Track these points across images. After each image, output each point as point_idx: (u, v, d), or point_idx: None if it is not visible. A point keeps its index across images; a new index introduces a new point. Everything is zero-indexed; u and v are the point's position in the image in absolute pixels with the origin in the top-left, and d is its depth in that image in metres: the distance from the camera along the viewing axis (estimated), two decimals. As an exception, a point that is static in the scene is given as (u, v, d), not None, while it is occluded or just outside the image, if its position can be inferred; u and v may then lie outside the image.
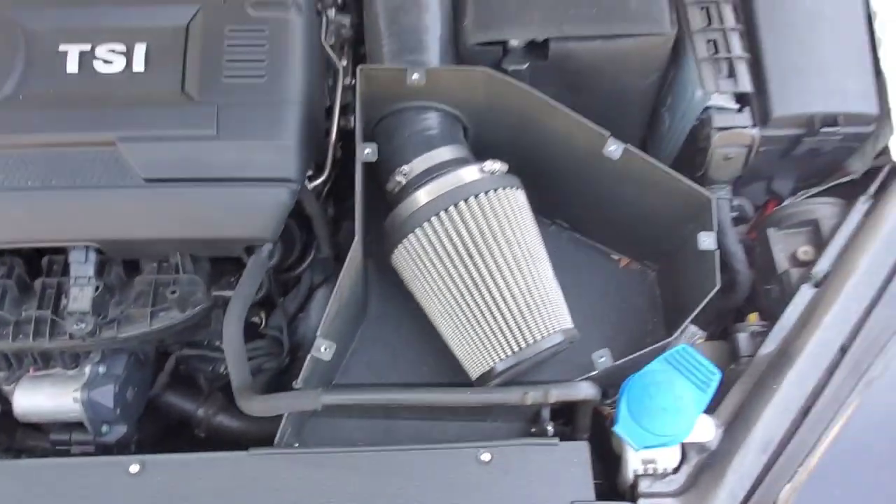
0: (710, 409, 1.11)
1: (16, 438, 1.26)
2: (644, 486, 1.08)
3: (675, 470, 1.09)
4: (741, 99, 1.27)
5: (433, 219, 1.14)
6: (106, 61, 1.13)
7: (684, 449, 1.10)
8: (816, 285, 1.20)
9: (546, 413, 1.14)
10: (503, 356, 1.13)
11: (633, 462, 1.09)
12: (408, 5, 1.28)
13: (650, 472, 1.09)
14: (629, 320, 1.39)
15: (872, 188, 1.25)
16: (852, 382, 1.11)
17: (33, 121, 1.10)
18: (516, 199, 1.19)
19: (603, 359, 1.13)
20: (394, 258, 1.22)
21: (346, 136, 1.30)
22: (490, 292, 1.13)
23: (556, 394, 1.10)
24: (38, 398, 1.17)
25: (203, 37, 1.14)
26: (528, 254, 1.16)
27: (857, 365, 1.12)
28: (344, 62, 1.35)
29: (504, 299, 1.13)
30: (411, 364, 1.30)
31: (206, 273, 1.19)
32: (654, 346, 1.14)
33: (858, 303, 1.16)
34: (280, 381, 1.30)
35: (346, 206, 1.20)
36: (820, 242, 1.25)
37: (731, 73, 1.26)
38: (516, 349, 1.13)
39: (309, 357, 1.08)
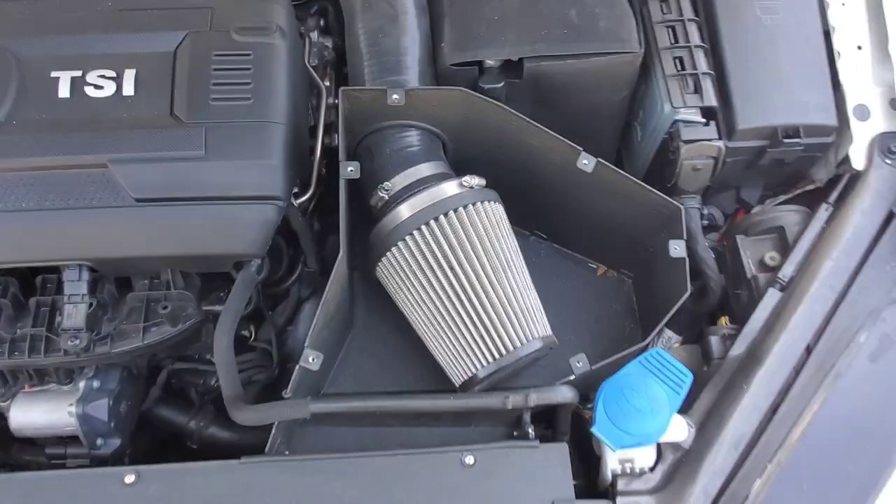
0: (684, 410, 1.16)
1: (11, 454, 1.28)
2: (622, 484, 1.12)
3: (652, 468, 1.13)
4: (707, 113, 1.33)
5: (415, 232, 1.19)
6: (97, 86, 1.16)
7: (660, 448, 1.14)
8: (782, 289, 1.25)
9: (527, 417, 1.18)
10: (484, 363, 1.18)
11: (611, 462, 1.14)
12: (387, 28, 1.33)
13: (628, 471, 1.13)
14: (607, 327, 1.45)
15: (833, 196, 1.31)
16: (818, 381, 1.16)
17: (27, 145, 1.12)
18: (495, 212, 1.24)
19: (580, 363, 1.17)
20: (378, 271, 1.26)
21: (331, 154, 1.35)
22: (471, 302, 1.17)
23: (536, 397, 1.14)
24: (33, 413, 1.19)
25: (190, 62, 1.18)
26: (507, 264, 1.21)
27: (821, 364, 1.17)
28: (327, 83, 1.40)
29: (484, 308, 1.17)
30: (397, 373, 1.34)
31: (196, 289, 1.22)
32: (629, 350, 1.19)
33: (822, 305, 1.21)
34: (270, 392, 1.33)
35: (332, 221, 1.24)
36: (786, 248, 1.31)
37: (697, 89, 1.32)
38: (497, 356, 1.17)
39: (297, 367, 1.12)
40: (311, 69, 1.37)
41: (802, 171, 1.43)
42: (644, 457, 1.14)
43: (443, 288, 1.18)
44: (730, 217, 1.49)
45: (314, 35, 1.43)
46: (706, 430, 1.15)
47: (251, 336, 1.35)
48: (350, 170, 1.22)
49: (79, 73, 1.16)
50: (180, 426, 1.34)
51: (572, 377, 1.17)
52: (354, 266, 1.33)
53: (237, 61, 1.19)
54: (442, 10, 1.36)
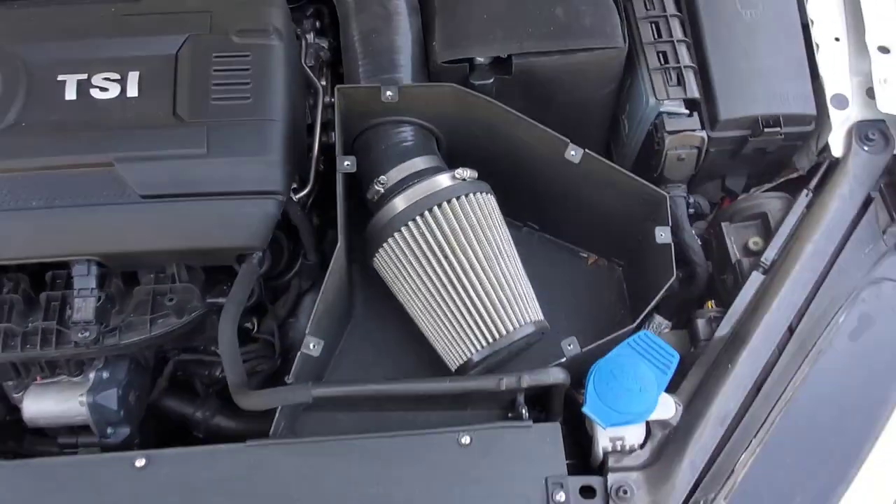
0: (672, 389, 1.21)
1: (24, 445, 1.32)
2: (613, 461, 1.16)
3: (642, 445, 1.17)
4: (691, 105, 1.38)
5: (410, 223, 1.23)
6: (102, 89, 1.20)
7: (649, 426, 1.18)
8: (765, 272, 1.30)
9: (521, 399, 1.21)
10: (479, 347, 1.22)
11: (603, 440, 1.17)
12: (381, 28, 1.38)
13: (618, 448, 1.17)
14: (598, 314, 1.49)
15: (813, 182, 1.36)
16: (800, 359, 1.21)
17: (36, 146, 1.17)
18: (487, 203, 1.29)
19: (571, 346, 1.22)
20: (375, 262, 1.31)
21: (328, 151, 1.39)
22: (465, 289, 1.22)
23: (529, 379, 1.17)
24: (46, 404, 1.24)
25: (191, 63, 1.22)
26: (499, 252, 1.25)
27: (803, 343, 1.22)
28: (323, 82, 1.44)
29: (478, 295, 1.22)
30: (396, 361, 1.39)
31: (200, 281, 1.27)
32: (618, 333, 1.23)
33: (803, 286, 1.25)
34: (273, 383, 1.37)
35: (330, 216, 1.28)
36: (768, 234, 1.35)
37: (681, 82, 1.37)
38: (491, 340, 1.22)
39: (299, 354, 1.16)
40: (307, 69, 1.42)
41: (785, 159, 1.47)
42: (634, 434, 1.17)
43: (437, 276, 1.23)
44: (716, 206, 1.53)
45: (310, 36, 1.48)
46: (693, 408, 1.19)
47: (254, 328, 1.39)
48: (347, 164, 1.26)
49: (84, 77, 1.20)
50: (186, 416, 1.38)
51: (564, 360, 1.21)
52: (353, 259, 1.38)
53: (236, 62, 1.23)
54: (433, 10, 1.40)
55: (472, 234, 1.23)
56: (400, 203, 1.25)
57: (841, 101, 1.38)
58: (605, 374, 1.16)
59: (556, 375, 1.19)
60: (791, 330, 1.23)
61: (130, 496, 1.08)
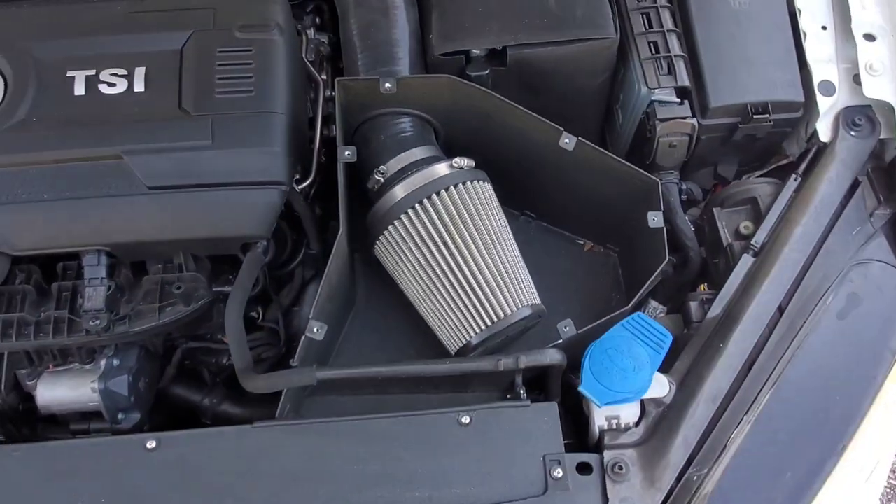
0: (665, 369, 1.24)
1: (37, 431, 1.36)
2: (608, 439, 1.19)
3: (636, 423, 1.20)
4: (682, 93, 1.41)
5: (409, 211, 1.27)
6: (110, 84, 1.23)
7: (643, 405, 1.21)
8: (755, 255, 1.33)
9: (519, 380, 1.25)
10: (477, 331, 1.26)
11: (598, 418, 1.21)
12: (379, 22, 1.41)
13: (614, 426, 1.20)
14: (594, 299, 1.52)
15: (801, 167, 1.39)
16: (789, 338, 1.24)
17: (47, 140, 1.20)
18: (484, 190, 1.32)
19: (567, 328, 1.25)
20: (377, 250, 1.35)
21: (329, 143, 1.42)
22: (463, 274, 1.25)
23: (526, 360, 1.21)
24: (59, 390, 1.28)
25: (196, 58, 1.25)
26: (497, 238, 1.29)
27: (793, 323, 1.25)
28: (323, 76, 1.47)
29: (476, 279, 1.25)
30: (397, 346, 1.42)
31: (207, 270, 1.30)
32: (613, 315, 1.26)
33: (792, 268, 1.28)
34: (278, 369, 1.41)
35: (332, 207, 1.31)
36: (758, 217, 1.38)
37: (671, 70, 1.40)
38: (489, 323, 1.25)
39: (303, 338, 1.20)
40: (308, 64, 1.45)
41: (775, 145, 1.51)
42: (628, 413, 1.20)
43: (437, 262, 1.26)
44: (709, 192, 1.57)
45: (311, 32, 1.51)
46: (686, 387, 1.22)
47: (259, 317, 1.42)
48: (347, 154, 1.30)
49: (93, 72, 1.23)
50: (194, 404, 1.41)
51: (559, 341, 1.25)
52: (355, 248, 1.41)
53: (240, 57, 1.26)
54: (430, 3, 1.44)
55: (470, 221, 1.27)
56: (399, 191, 1.29)
57: (828, 88, 1.41)
58: (600, 355, 1.19)
59: (552, 356, 1.22)
60: (781, 310, 1.26)
61: (142, 476, 1.12)
